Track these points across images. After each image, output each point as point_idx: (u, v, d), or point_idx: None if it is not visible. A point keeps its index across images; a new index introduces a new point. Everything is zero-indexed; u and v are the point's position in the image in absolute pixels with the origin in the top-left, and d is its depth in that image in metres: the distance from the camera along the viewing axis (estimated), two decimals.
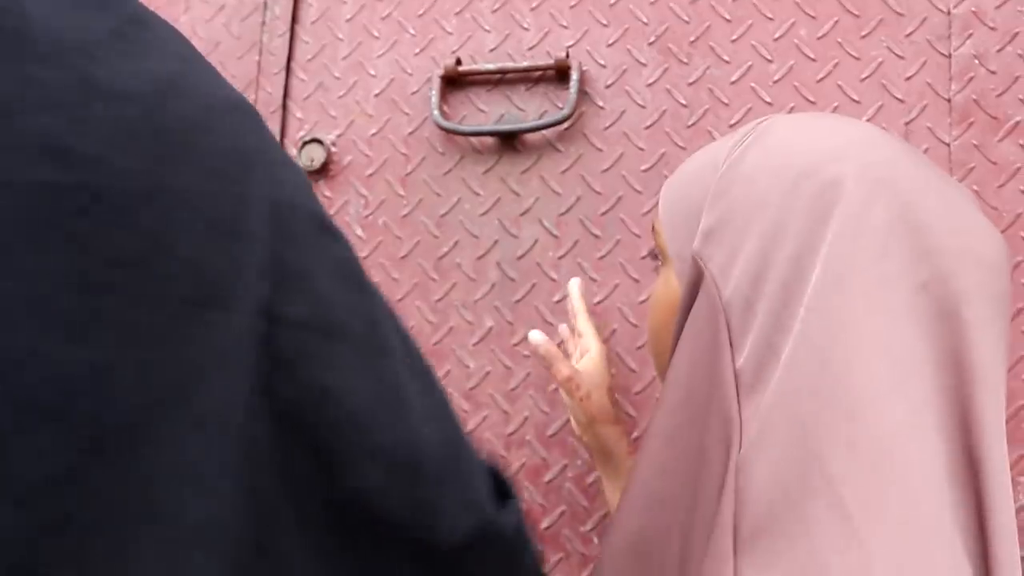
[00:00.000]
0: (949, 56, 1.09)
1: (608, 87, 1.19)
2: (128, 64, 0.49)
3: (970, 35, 1.09)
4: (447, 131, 1.21)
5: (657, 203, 1.11)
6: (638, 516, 0.62)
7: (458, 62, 1.22)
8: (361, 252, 1.21)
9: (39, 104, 0.46)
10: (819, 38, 1.13)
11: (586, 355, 1.03)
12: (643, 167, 1.16)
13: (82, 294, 0.44)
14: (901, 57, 1.11)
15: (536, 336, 1.03)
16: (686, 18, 1.18)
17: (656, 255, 0.77)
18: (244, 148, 0.51)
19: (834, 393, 0.55)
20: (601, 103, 1.19)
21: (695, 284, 0.64)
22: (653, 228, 0.73)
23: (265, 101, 1.28)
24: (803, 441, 0.55)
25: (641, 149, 1.16)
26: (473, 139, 1.22)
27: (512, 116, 1.21)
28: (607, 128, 1.18)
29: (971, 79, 1.08)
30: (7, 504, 0.41)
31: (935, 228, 0.58)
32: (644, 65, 1.18)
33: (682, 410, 0.63)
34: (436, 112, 1.21)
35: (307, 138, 1.26)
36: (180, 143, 0.48)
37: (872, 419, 0.54)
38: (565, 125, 1.18)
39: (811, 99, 1.12)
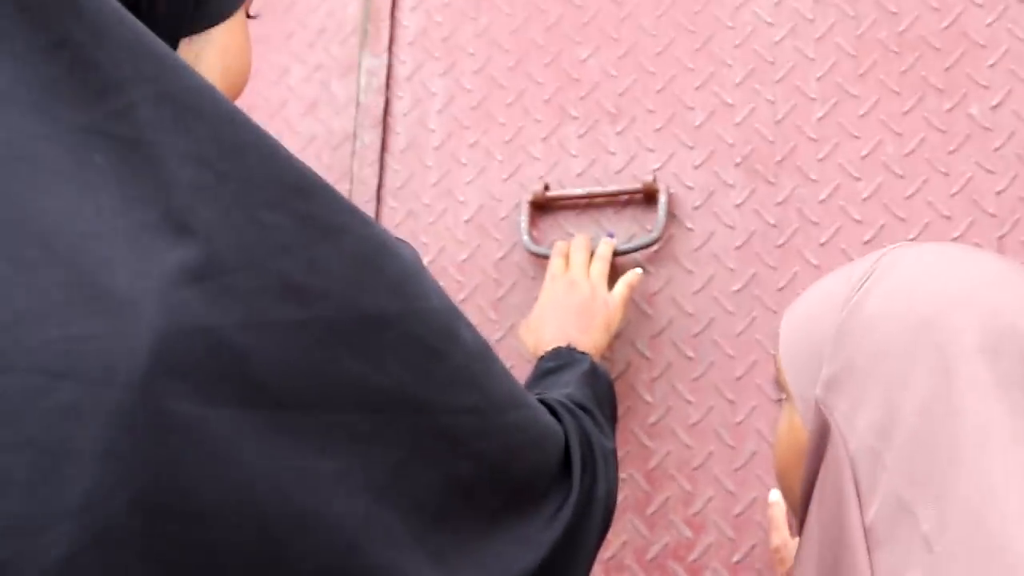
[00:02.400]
0: None
1: (696, 209, 1.20)
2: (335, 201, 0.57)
3: None
4: (537, 256, 1.23)
5: (752, 323, 1.10)
6: None
7: (546, 187, 1.24)
8: None
9: (278, 248, 0.53)
10: (906, 155, 1.14)
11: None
12: (734, 288, 1.16)
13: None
14: (991, 172, 1.11)
15: (773, 496, 1.04)
16: (771, 139, 1.19)
17: (780, 386, 0.77)
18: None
19: (993, 557, 0.55)
20: (690, 225, 1.20)
21: (822, 433, 0.64)
22: (775, 362, 0.73)
23: None
24: None
25: (731, 270, 1.17)
26: None
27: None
28: (697, 250, 1.19)
29: None
30: None
31: None
32: (731, 186, 1.20)
33: (816, 567, 0.63)
34: (526, 237, 1.23)
35: None
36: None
37: None
38: (655, 248, 1.20)
39: (901, 216, 1.12)
